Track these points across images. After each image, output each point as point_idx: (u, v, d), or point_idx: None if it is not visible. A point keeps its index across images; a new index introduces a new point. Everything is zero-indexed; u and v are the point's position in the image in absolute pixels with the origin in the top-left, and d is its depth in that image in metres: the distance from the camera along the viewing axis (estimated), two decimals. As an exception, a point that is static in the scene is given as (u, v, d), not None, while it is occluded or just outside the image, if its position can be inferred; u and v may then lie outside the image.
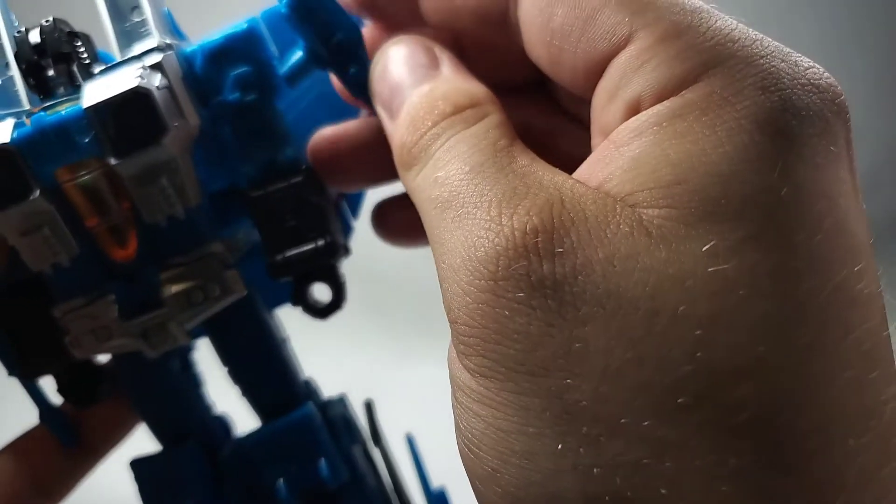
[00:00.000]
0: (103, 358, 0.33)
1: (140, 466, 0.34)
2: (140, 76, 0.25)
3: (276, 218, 0.30)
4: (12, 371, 0.31)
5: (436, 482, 0.39)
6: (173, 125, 0.26)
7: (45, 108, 0.27)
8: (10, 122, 0.26)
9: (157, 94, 0.25)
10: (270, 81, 0.28)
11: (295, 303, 0.33)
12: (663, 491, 0.17)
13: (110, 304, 0.30)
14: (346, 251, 0.32)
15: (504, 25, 0.23)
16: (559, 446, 0.18)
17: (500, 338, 0.18)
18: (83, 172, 0.27)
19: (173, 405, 0.34)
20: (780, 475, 0.17)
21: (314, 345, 0.51)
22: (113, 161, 0.26)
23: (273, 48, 0.29)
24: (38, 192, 0.26)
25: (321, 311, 0.33)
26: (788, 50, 0.20)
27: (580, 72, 0.21)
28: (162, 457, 0.34)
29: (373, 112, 0.27)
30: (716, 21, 0.20)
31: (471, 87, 0.23)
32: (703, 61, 0.19)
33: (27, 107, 0.27)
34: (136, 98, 0.25)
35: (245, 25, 0.28)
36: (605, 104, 0.21)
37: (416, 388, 0.88)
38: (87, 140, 0.26)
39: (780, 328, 0.17)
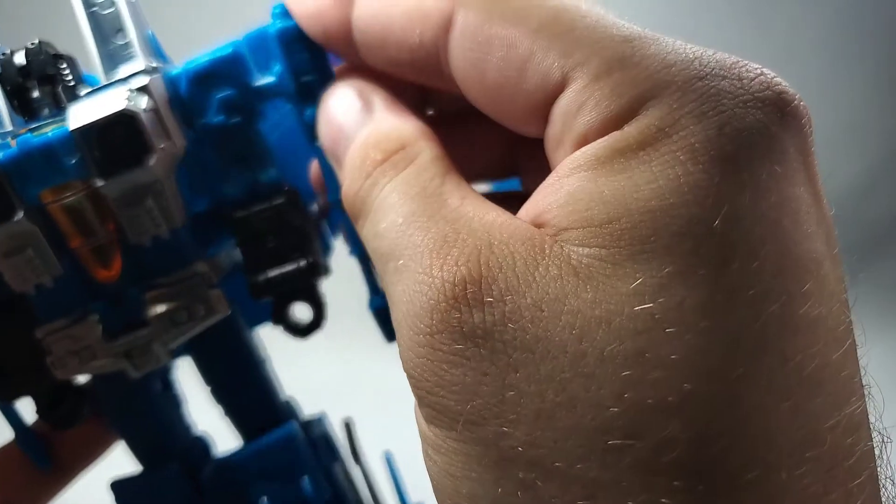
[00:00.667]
0: (82, 378, 0.33)
1: (121, 488, 0.34)
2: (127, 98, 0.26)
3: (258, 238, 0.31)
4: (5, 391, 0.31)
5: (420, 494, 0.38)
6: (159, 147, 0.26)
7: (31, 130, 0.27)
8: None
9: (143, 116, 0.26)
10: (254, 105, 0.29)
11: (276, 322, 0.33)
12: None
13: (94, 324, 0.30)
14: (326, 271, 0.32)
15: (442, 77, 0.23)
16: (499, 490, 0.18)
17: (439, 389, 0.19)
18: (68, 194, 0.27)
19: (154, 425, 0.34)
20: None
21: (295, 351, 0.51)
22: (99, 182, 0.26)
23: (254, 72, 0.29)
24: (21, 214, 0.26)
25: (302, 331, 0.33)
26: (733, 61, 0.19)
27: (523, 120, 0.22)
28: (143, 478, 0.34)
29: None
30: (650, 48, 0.19)
31: (400, 129, 0.23)
32: (640, 94, 0.19)
33: (10, 128, 0.27)
34: (122, 120, 0.25)
35: (230, 49, 0.28)
36: (555, 148, 0.21)
37: (399, 397, 0.87)
38: (73, 162, 0.26)
39: (709, 363, 0.17)
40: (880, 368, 0.80)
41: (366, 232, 0.23)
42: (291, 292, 0.32)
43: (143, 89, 0.26)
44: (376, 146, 0.23)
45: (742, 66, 0.19)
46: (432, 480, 0.20)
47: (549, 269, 0.18)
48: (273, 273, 0.31)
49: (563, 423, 0.17)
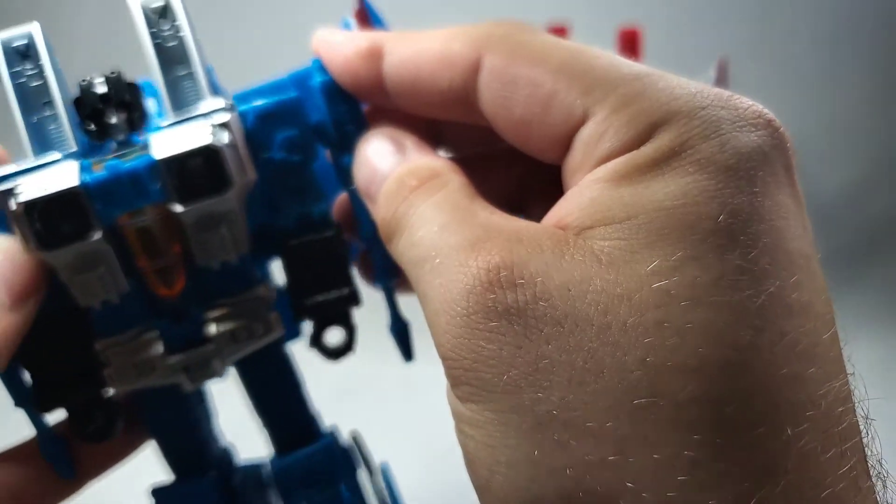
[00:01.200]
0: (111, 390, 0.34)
1: (161, 494, 0.36)
2: (212, 133, 0.28)
3: (307, 266, 0.34)
4: (20, 403, 0.32)
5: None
6: (237, 179, 0.28)
7: (118, 156, 0.29)
8: (75, 164, 0.28)
9: (225, 150, 0.28)
10: (313, 146, 0.32)
11: (312, 344, 0.35)
12: (629, 484, 0.19)
13: (155, 340, 0.32)
14: (359, 300, 0.35)
15: (473, 113, 0.27)
16: (535, 453, 0.20)
17: (478, 365, 0.21)
18: (144, 217, 0.30)
19: (193, 435, 0.36)
20: (729, 463, 0.19)
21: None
22: (178, 208, 0.28)
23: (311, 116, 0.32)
24: (100, 234, 0.28)
25: (334, 353, 0.36)
26: (728, 94, 0.23)
27: (547, 148, 0.25)
28: (183, 485, 0.36)
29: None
30: (658, 83, 0.23)
31: (431, 162, 0.27)
32: (653, 121, 0.22)
33: (74, 149, 0.29)
34: (207, 154, 0.28)
35: (294, 94, 0.31)
36: (573, 173, 0.24)
37: (414, 378, 0.89)
38: (156, 188, 0.28)
39: (720, 332, 0.20)
40: (876, 368, 0.82)
41: (402, 245, 0.25)
42: (331, 317, 0.35)
43: (224, 125, 0.28)
44: (411, 174, 0.26)
45: (737, 99, 0.23)
46: (467, 456, 0.22)
47: (575, 256, 0.21)
48: (318, 298, 0.34)
49: (593, 387, 0.20)
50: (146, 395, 0.34)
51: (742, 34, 1.33)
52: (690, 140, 0.22)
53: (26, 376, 0.32)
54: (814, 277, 0.22)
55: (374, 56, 0.28)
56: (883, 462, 0.23)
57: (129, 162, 0.28)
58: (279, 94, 0.31)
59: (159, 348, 0.32)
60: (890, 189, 1.40)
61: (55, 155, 0.29)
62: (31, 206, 0.27)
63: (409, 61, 0.27)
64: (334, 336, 0.36)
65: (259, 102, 0.31)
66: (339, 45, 0.29)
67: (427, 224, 0.24)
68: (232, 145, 0.29)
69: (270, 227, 0.33)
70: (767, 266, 0.21)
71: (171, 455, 0.37)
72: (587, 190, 0.23)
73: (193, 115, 0.29)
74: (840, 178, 1.39)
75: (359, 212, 0.32)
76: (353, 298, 0.35)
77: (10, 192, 0.27)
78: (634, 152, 0.22)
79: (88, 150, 0.30)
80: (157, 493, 0.36)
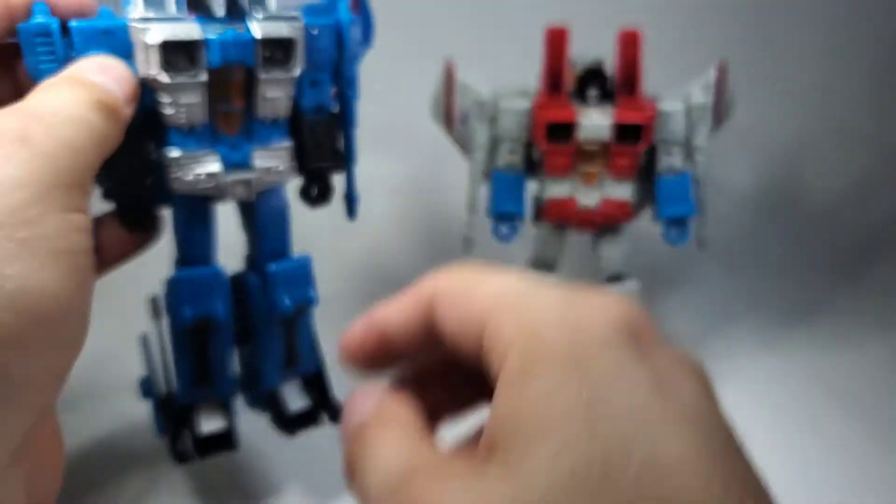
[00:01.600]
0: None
1: (175, 282, 0.53)
2: (291, 30, 0.49)
3: (312, 136, 0.54)
4: (108, 193, 0.48)
5: None
6: (298, 63, 0.50)
7: (231, 27, 0.47)
8: (194, 24, 0.46)
9: (297, 42, 0.49)
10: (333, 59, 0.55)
11: (301, 195, 0.57)
12: None
13: (217, 159, 0.50)
14: (340, 168, 0.58)
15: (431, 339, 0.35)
16: None
17: None
18: (229, 76, 0.49)
19: (206, 240, 0.55)
20: None
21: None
22: (262, 73, 0.49)
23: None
24: (205, 76, 0.47)
25: (314, 201, 0.57)
26: (583, 295, 0.32)
27: (471, 351, 0.32)
28: (196, 270, 0.54)
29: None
30: (502, 316, 0.31)
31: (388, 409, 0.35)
32: (499, 351, 0.30)
33: (174, 12, 0.46)
34: (287, 42, 0.49)
35: (332, 21, 0.54)
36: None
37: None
38: (250, 55, 0.48)
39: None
40: (878, 371, 0.82)
41: (357, 482, 0.32)
42: (321, 177, 0.57)
43: (297, 27, 0.49)
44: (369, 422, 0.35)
45: (593, 296, 0.32)
46: None
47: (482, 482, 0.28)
48: (315, 163, 0.55)
49: None
50: (191, 199, 0.51)
51: (742, 37, 1.33)
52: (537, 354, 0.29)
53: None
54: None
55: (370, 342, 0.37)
56: None
57: (241, 34, 0.47)
58: (318, 16, 0.53)
59: (218, 166, 0.50)
60: (889, 191, 1.41)
61: (181, 13, 0.47)
62: (168, 43, 0.45)
63: (389, 331, 0.36)
64: (315, 190, 0.57)
65: (308, 18, 0.51)
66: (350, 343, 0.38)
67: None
68: (297, 40, 0.49)
69: (296, 106, 0.53)
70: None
71: (187, 251, 0.54)
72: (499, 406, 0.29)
73: (283, 15, 0.49)
74: (839, 180, 1.40)
75: (346, 108, 0.57)
76: (338, 166, 0.57)
77: (147, 31, 0.44)
78: (507, 366, 0.29)
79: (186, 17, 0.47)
80: (172, 281, 0.54)
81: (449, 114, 0.80)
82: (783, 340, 1.02)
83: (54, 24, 0.42)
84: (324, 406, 0.63)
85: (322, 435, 0.63)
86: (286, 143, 0.52)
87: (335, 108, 0.56)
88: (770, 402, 0.86)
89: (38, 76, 0.41)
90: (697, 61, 0.85)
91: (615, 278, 0.81)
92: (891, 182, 1.42)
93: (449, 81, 0.78)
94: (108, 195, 0.48)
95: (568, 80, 0.76)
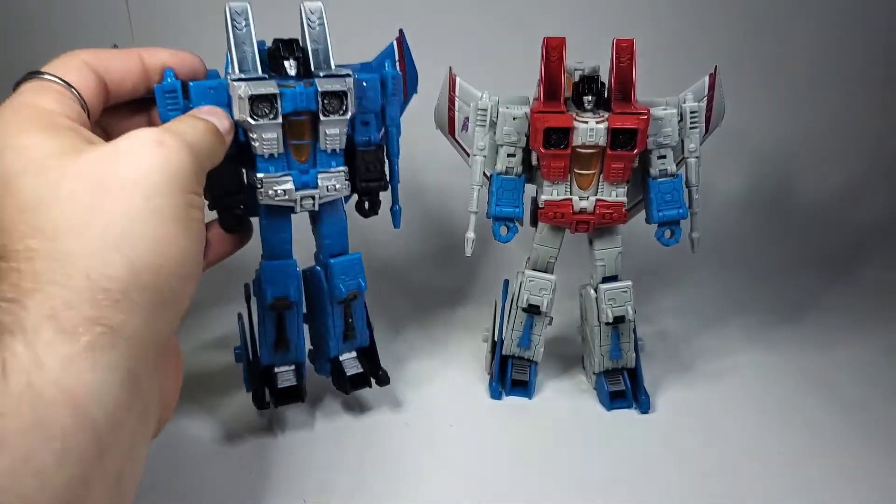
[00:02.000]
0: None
1: (264, 268, 0.74)
2: (345, 84, 0.68)
3: (364, 163, 0.73)
4: (213, 204, 0.67)
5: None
6: (350, 109, 0.68)
7: (301, 83, 0.66)
8: (273, 82, 0.65)
9: (349, 93, 0.68)
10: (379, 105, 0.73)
11: (357, 208, 0.77)
12: None
13: (290, 180, 0.69)
14: (387, 188, 0.77)
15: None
16: None
17: None
18: (301, 115, 0.67)
19: (285, 238, 0.74)
20: None
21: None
22: (322, 116, 0.67)
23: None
24: (280, 119, 0.66)
25: (366, 214, 0.77)
26: None
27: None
28: (278, 263, 0.74)
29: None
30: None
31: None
32: None
33: (259, 73, 0.66)
34: (342, 94, 0.68)
35: (377, 76, 0.72)
36: None
37: (414, 376, 0.92)
38: (313, 104, 0.67)
39: None
40: (867, 368, 0.86)
41: None
42: (371, 194, 0.76)
43: (349, 82, 0.68)
44: None
45: None
46: None
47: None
48: (365, 183, 0.74)
49: None
50: (273, 209, 0.71)
51: (736, 40, 1.35)
52: None
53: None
54: None
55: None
56: None
57: (307, 88, 0.66)
58: (369, 72, 0.73)
59: (291, 185, 0.69)
60: (884, 191, 1.43)
61: (261, 75, 0.66)
62: (254, 96, 0.64)
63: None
64: (367, 205, 0.77)
65: (359, 74, 0.70)
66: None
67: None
68: (350, 92, 0.68)
69: (350, 142, 0.72)
70: None
71: (272, 249, 0.74)
72: None
73: (338, 73, 0.68)
74: (829, 181, 1.43)
75: (390, 141, 0.76)
76: (383, 185, 0.75)
77: (241, 88, 0.63)
78: None
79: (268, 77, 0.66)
80: (264, 268, 0.74)
81: (450, 119, 0.82)
82: (774, 338, 1.04)
83: (178, 85, 0.62)
84: (373, 373, 0.81)
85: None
86: (342, 168, 0.71)
87: (382, 141, 0.75)
88: (761, 398, 0.89)
89: (166, 120, 0.60)
90: (690, 68, 0.87)
91: (610, 278, 0.83)
92: (879, 183, 1.44)
93: (450, 89, 0.81)
94: (213, 206, 0.67)
95: (565, 88, 0.78)
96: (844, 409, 0.86)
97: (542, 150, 0.75)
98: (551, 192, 0.78)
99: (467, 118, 0.81)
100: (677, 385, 0.91)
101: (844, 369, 0.96)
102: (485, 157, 0.79)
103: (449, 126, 0.83)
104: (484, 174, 0.80)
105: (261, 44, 0.68)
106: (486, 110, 0.78)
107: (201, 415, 0.83)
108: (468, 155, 0.82)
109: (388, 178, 0.76)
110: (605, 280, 0.83)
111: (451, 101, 0.81)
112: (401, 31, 0.79)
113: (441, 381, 0.91)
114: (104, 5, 1.23)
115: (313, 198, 0.70)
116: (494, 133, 0.78)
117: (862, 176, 1.45)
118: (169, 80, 0.62)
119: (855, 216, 1.41)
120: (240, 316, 0.82)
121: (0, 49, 1.21)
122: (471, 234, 0.81)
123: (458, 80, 0.81)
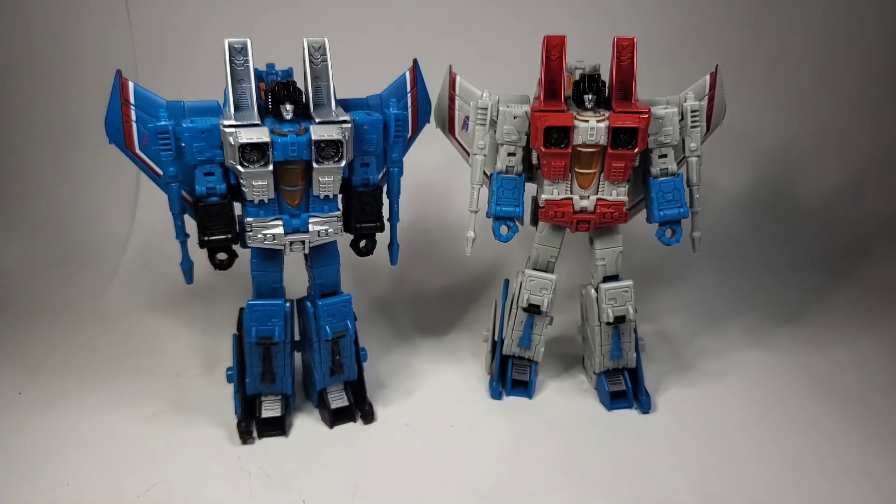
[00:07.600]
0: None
1: (251, 308, 0.73)
2: (341, 132, 0.67)
3: (361, 205, 0.73)
4: (202, 244, 0.69)
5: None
6: (346, 156, 0.67)
7: (293, 132, 0.66)
8: (266, 129, 0.65)
9: (344, 142, 0.66)
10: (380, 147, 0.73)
11: (352, 246, 0.77)
12: None
13: (280, 224, 0.69)
14: (383, 229, 0.75)
15: None
16: None
17: None
18: (293, 164, 0.67)
19: (276, 278, 0.74)
20: None
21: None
22: (316, 164, 0.67)
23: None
24: (271, 166, 0.66)
25: (362, 254, 0.77)
26: None
27: None
28: (266, 301, 0.74)
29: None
30: None
31: None
32: None
33: (255, 112, 0.67)
34: (338, 143, 0.67)
35: (379, 117, 0.71)
36: None
37: (415, 376, 0.92)
38: (305, 152, 0.66)
39: None
40: (867, 366, 0.85)
41: None
42: (368, 234, 0.75)
43: (346, 130, 0.67)
44: None
45: None
46: None
47: None
48: (362, 224, 0.74)
49: None
50: (263, 251, 0.71)
51: (737, 40, 1.35)
52: None
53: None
54: None
55: None
56: None
57: (299, 137, 0.65)
58: (371, 113, 0.72)
59: (280, 230, 0.69)
60: (877, 191, 1.43)
61: (256, 120, 0.66)
62: (245, 145, 0.64)
63: None
64: (363, 244, 0.77)
65: (359, 118, 0.70)
66: None
67: None
68: (347, 140, 0.66)
69: (348, 182, 0.72)
70: None
71: (260, 287, 0.74)
72: None
73: (334, 119, 0.67)
74: (829, 181, 1.43)
75: (391, 181, 0.77)
76: (381, 227, 0.74)
77: (233, 135, 0.64)
78: None
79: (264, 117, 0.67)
80: (250, 307, 0.73)
81: (450, 118, 0.82)
82: (775, 338, 1.04)
83: (171, 126, 0.66)
84: (358, 406, 0.81)
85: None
86: (336, 213, 0.71)
87: (381, 181, 0.76)
88: (762, 398, 0.89)
89: (157, 159, 0.69)
90: (691, 67, 0.87)
91: (610, 278, 0.83)
92: (879, 182, 1.44)
93: (450, 87, 0.81)
94: (202, 245, 0.69)
95: (565, 86, 0.78)
96: (846, 408, 0.86)
97: (543, 149, 0.75)
98: (552, 192, 0.78)
99: (467, 117, 0.80)
100: (678, 385, 0.90)
101: (845, 368, 0.96)
102: (485, 156, 0.79)
103: (449, 125, 0.83)
104: (484, 173, 0.80)
105: (265, 72, 0.70)
106: (486, 109, 0.78)
107: (201, 415, 0.83)
108: (468, 154, 0.82)
109: (387, 217, 0.75)
110: (606, 279, 0.83)
111: (452, 100, 0.81)
112: (415, 62, 0.79)
113: (441, 381, 0.91)
114: (111, 39, 1.24)
115: (303, 242, 0.70)
116: (495, 132, 0.78)
117: (863, 175, 1.45)
118: (163, 121, 0.64)
119: (856, 215, 1.41)
120: (234, 337, 0.83)
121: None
122: (471, 234, 0.81)
123: (458, 78, 0.81)
